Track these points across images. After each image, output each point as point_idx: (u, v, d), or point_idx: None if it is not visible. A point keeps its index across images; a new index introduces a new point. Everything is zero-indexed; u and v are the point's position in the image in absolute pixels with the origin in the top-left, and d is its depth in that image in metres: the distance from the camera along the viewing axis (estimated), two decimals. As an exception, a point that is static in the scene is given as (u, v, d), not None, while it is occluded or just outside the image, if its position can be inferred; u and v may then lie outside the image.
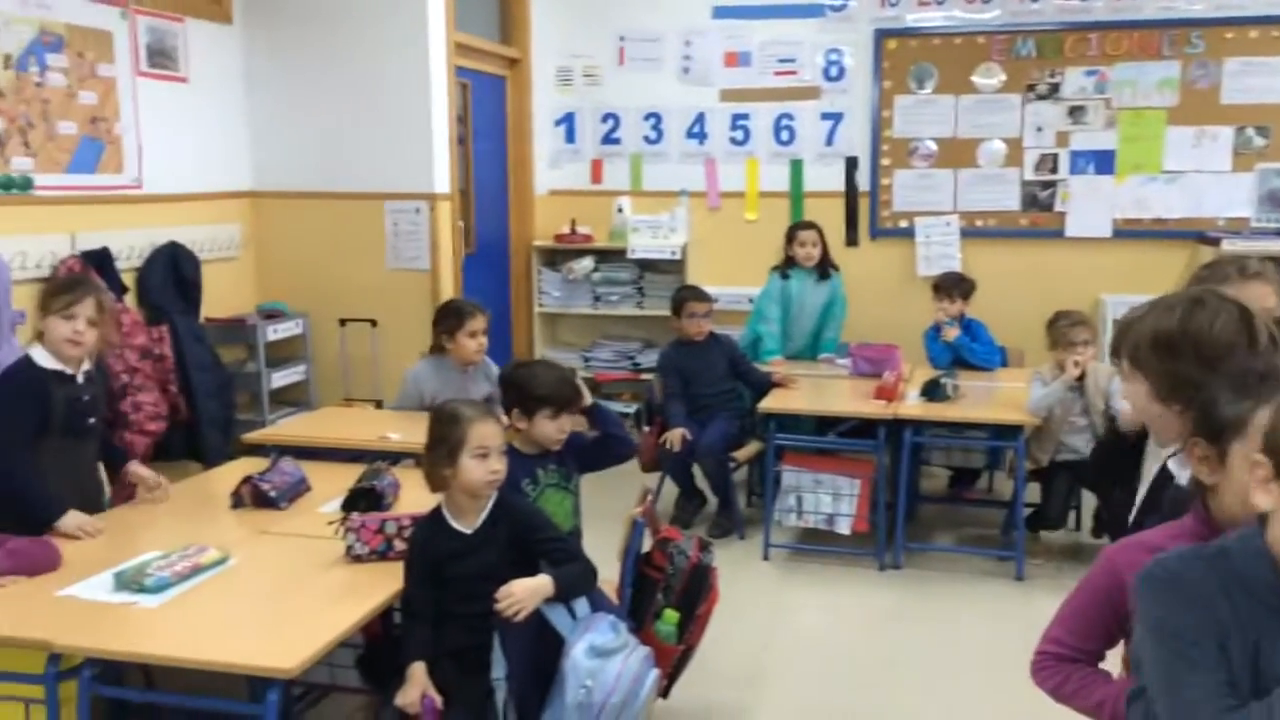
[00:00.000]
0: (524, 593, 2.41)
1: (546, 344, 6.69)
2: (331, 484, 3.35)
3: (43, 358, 3.03)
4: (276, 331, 5.28)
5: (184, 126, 5.02)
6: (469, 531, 2.56)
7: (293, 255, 5.54)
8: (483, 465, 2.53)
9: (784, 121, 6.38)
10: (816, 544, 4.64)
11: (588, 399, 3.20)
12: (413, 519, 2.75)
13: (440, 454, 2.55)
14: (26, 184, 4.16)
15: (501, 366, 4.01)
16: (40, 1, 4.19)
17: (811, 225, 5.56)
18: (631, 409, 6.11)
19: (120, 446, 3.34)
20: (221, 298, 5.19)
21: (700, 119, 6.48)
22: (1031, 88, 6.03)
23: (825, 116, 6.31)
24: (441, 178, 5.44)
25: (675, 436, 4.74)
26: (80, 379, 3.10)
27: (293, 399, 5.47)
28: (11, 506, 2.87)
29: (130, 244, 4.62)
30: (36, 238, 4.17)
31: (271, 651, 2.24)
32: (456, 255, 5.62)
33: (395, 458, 3.61)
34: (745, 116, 6.42)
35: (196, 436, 4.82)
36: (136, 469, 3.28)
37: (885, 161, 6.25)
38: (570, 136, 6.69)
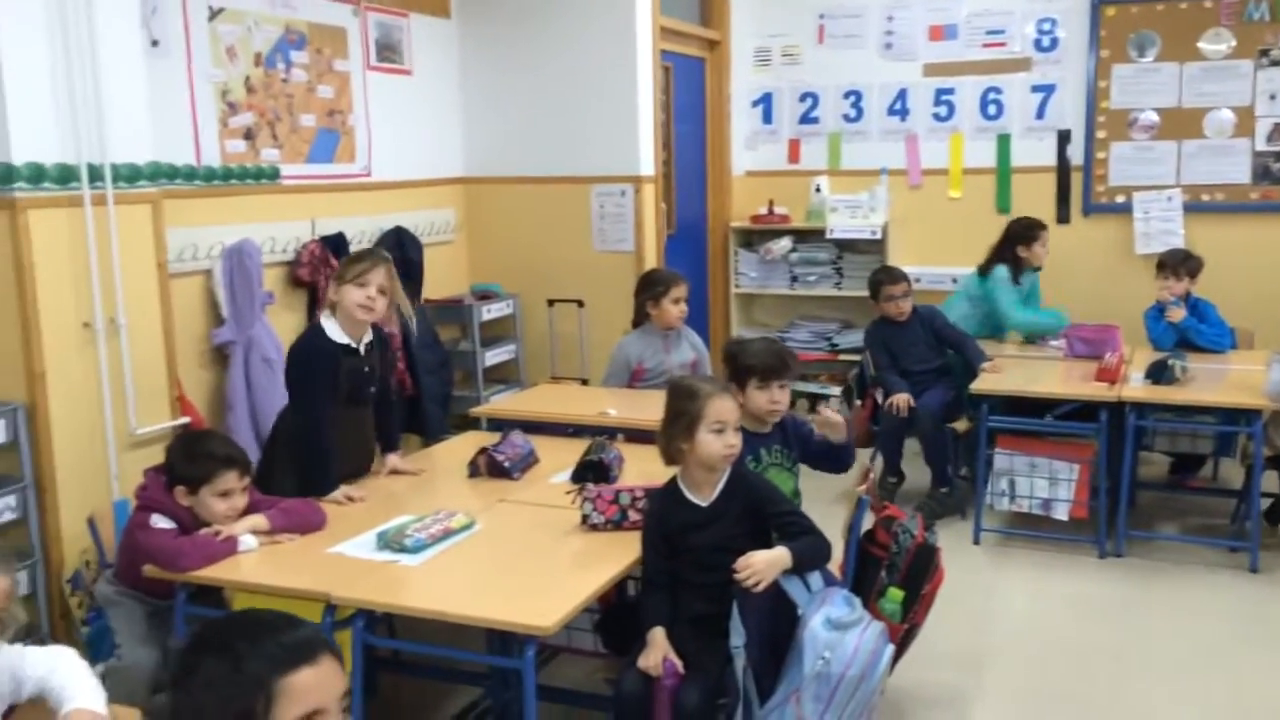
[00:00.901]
0: (763, 564, 2.47)
1: (742, 324, 6.74)
2: (557, 456, 3.50)
3: (333, 329, 3.28)
4: (490, 312, 5.51)
5: (407, 117, 5.30)
6: (704, 504, 2.64)
7: (504, 238, 5.77)
8: (719, 439, 2.60)
9: (991, 95, 6.20)
10: (1030, 529, 4.52)
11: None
12: (646, 490, 2.85)
13: (678, 428, 2.63)
14: (274, 174, 4.49)
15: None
16: (286, 1, 4.51)
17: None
18: (827, 390, 6.09)
19: (390, 430, 3.53)
20: (439, 279, 5.46)
21: (902, 95, 6.37)
22: (1264, 53, 5.65)
23: (1036, 89, 6.10)
24: (647, 160, 5.54)
25: (901, 400, 4.76)
26: (362, 351, 3.34)
27: (503, 376, 5.71)
28: (300, 468, 3.13)
29: (361, 228, 4.92)
30: (282, 224, 4.49)
31: (527, 610, 2.38)
32: (659, 236, 5.73)
33: (613, 433, 3.75)
34: (950, 91, 6.27)
35: (418, 411, 5.09)
36: (396, 463, 3.47)
37: (1101, 134, 5.98)
38: (767, 117, 6.69)
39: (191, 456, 2.88)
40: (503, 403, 4.67)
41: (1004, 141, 6.19)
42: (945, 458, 4.87)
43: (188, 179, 4.03)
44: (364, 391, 3.37)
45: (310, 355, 3.28)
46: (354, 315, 3.29)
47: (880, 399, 4.88)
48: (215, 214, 4.15)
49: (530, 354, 5.78)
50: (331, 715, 1.33)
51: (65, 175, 3.24)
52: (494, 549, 2.80)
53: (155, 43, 3.90)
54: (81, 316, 3.31)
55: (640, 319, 4.47)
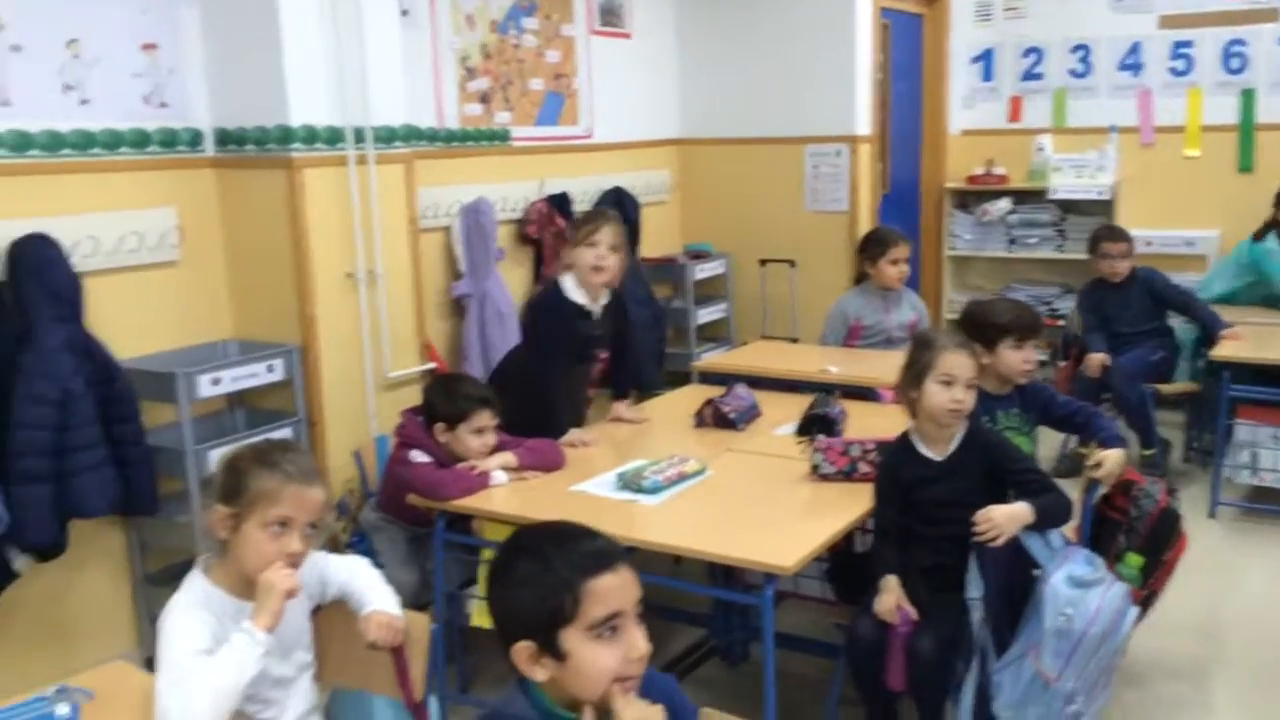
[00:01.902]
0: (1003, 518, 2.47)
1: (956, 288, 6.61)
2: (779, 410, 3.58)
3: (571, 289, 3.46)
4: (702, 271, 5.61)
5: (626, 80, 5.44)
6: (939, 459, 2.66)
7: (717, 198, 5.86)
8: (946, 393, 2.60)
9: (1234, 48, 5.82)
10: (1274, 504, 4.30)
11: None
12: (877, 443, 2.89)
13: (909, 376, 2.66)
14: (506, 136, 4.72)
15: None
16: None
17: None
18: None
19: (622, 378, 3.70)
20: (654, 238, 5.60)
21: (1135, 49, 6.05)
22: None
23: (1287, 40, 5.69)
24: (863, 119, 5.50)
25: (1094, 361, 4.64)
26: (597, 314, 3.50)
27: (714, 335, 5.81)
28: (531, 415, 3.33)
29: (583, 188, 5.10)
30: (513, 184, 4.72)
31: (766, 550, 2.47)
32: (874, 197, 5.69)
33: (831, 389, 3.78)
34: (1188, 44, 5.92)
35: (635, 366, 5.26)
36: (622, 411, 3.64)
37: (1360, 87, 5.54)
38: (987, 74, 6.49)
39: (450, 396, 3.11)
40: (719, 359, 4.77)
41: (1248, 97, 5.80)
42: (1145, 418, 4.70)
43: (430, 141, 4.28)
44: (590, 352, 3.53)
45: (547, 312, 3.47)
46: (587, 276, 3.43)
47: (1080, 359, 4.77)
48: (454, 174, 4.40)
49: (741, 313, 5.86)
50: (629, 619, 1.46)
51: (333, 137, 3.51)
52: (726, 494, 2.90)
53: (405, 12, 4.15)
54: (345, 267, 3.60)
55: (860, 277, 4.50)
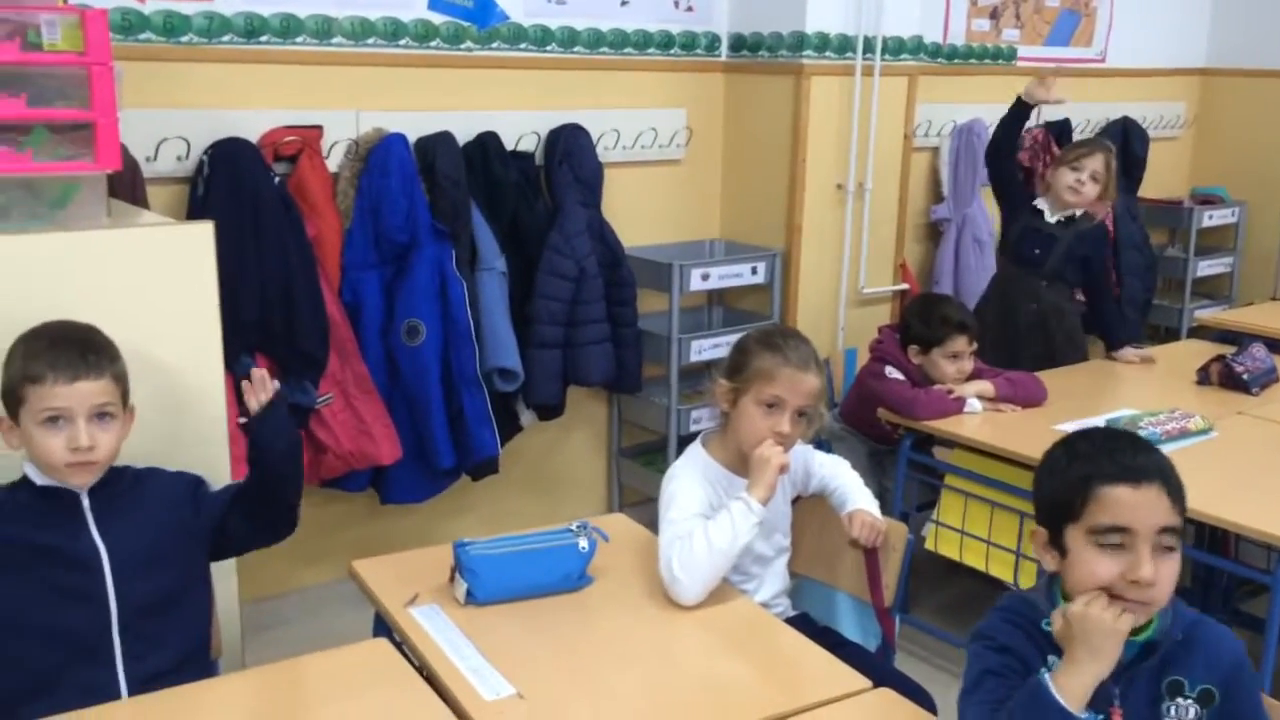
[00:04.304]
0: None
1: None
2: (1303, 379, 3.16)
3: (1042, 204, 3.45)
4: (1211, 218, 5.03)
5: (1151, -1, 4.93)
6: None
7: (1240, 138, 5.20)
8: None
9: None
10: None
11: None
12: None
13: None
14: (1011, 54, 4.48)
15: None
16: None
17: None
18: None
19: (1108, 324, 3.58)
20: (1157, 178, 5.09)
21: None
22: None
23: None
24: None
25: None
26: (1052, 220, 3.45)
27: (1212, 291, 5.22)
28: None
29: (1086, 116, 4.73)
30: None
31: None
32: None
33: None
34: None
35: (1116, 312, 4.87)
36: (1129, 355, 3.46)
37: None
38: None
39: (928, 319, 3.06)
40: (1223, 315, 4.27)
41: None
42: None
43: (933, 56, 4.16)
44: (1039, 263, 3.46)
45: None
46: (1062, 196, 3.38)
47: None
48: (952, 92, 4.25)
49: (1250, 269, 5.20)
50: (1142, 541, 1.37)
51: (844, 45, 3.53)
52: (1236, 459, 2.63)
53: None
54: (836, 178, 3.63)
55: None
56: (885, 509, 2.19)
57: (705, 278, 3.47)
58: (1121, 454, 1.42)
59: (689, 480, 2.03)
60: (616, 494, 3.80)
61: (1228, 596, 3.09)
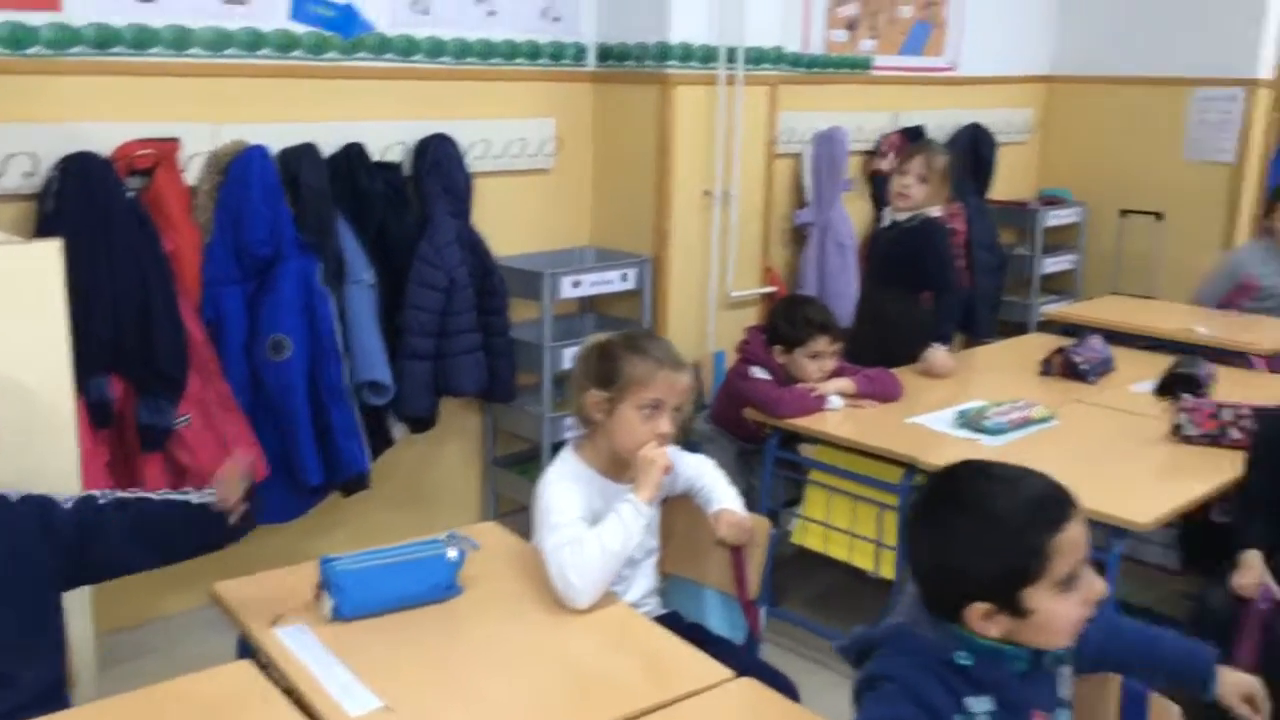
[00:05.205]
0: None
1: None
2: (1136, 367, 3.39)
3: (885, 216, 3.68)
4: (1055, 218, 5.30)
5: (1000, 9, 5.16)
6: (1332, 433, 2.41)
7: (1081, 142, 5.49)
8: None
9: None
10: None
11: None
12: (1254, 409, 2.66)
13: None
14: (867, 64, 4.65)
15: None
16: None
17: None
18: None
19: (941, 324, 3.56)
20: (1006, 180, 5.34)
21: None
22: None
23: None
24: (1266, 61, 4.94)
25: None
26: (886, 224, 3.67)
27: (1058, 287, 5.50)
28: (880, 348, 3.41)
29: (940, 123, 4.93)
30: (868, 114, 4.64)
31: (1118, 505, 2.36)
32: (1267, 149, 5.12)
33: (1196, 351, 3.50)
34: None
35: (970, 310, 5.09)
36: (938, 358, 3.40)
37: None
38: None
39: (791, 320, 3.17)
40: (1068, 309, 4.53)
41: None
42: None
43: (794, 65, 4.30)
44: (880, 269, 3.69)
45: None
46: (893, 201, 3.58)
47: None
48: (812, 100, 4.39)
49: (1092, 266, 5.50)
50: (1086, 563, 1.37)
51: (707, 55, 3.62)
52: (1074, 445, 2.79)
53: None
54: (703, 185, 3.72)
55: (1264, 232, 4.20)
56: (753, 506, 2.27)
57: (576, 285, 3.52)
58: (1031, 489, 1.39)
59: (565, 485, 2.07)
60: (492, 504, 3.82)
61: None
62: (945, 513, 1.41)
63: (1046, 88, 5.56)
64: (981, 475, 1.43)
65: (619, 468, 2.09)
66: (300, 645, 1.73)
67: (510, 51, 3.55)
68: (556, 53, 3.67)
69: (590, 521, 2.00)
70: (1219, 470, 2.58)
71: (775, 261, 4.30)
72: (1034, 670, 1.44)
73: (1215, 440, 2.70)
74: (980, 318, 5.08)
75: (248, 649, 1.80)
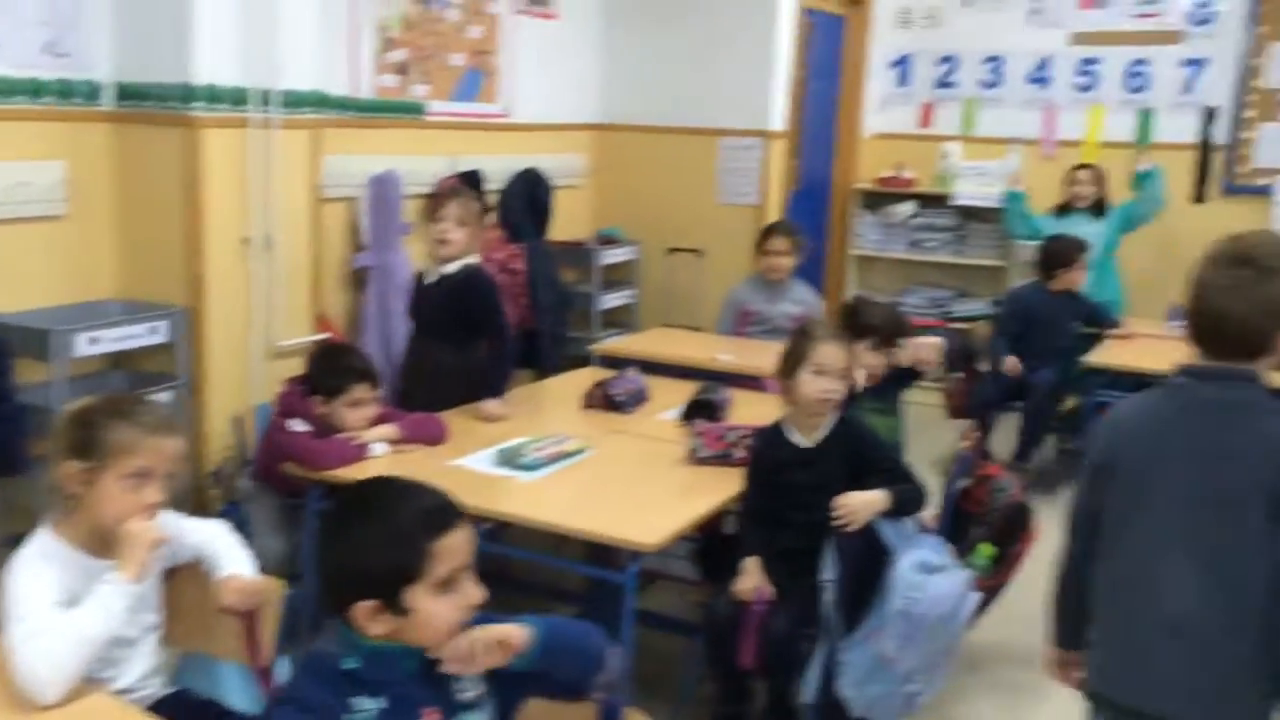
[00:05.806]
0: (859, 505, 2.57)
1: (859, 286, 6.76)
2: (668, 395, 3.66)
3: (423, 263, 3.62)
4: (611, 256, 5.67)
5: (549, 61, 5.44)
6: (808, 446, 2.74)
7: (630, 186, 5.90)
8: (818, 382, 2.68)
9: (1137, 68, 6.04)
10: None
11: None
12: (754, 430, 2.97)
13: (785, 365, 2.74)
14: (420, 109, 4.71)
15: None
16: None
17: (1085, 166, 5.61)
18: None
19: (494, 373, 3.53)
20: (565, 222, 5.62)
21: (1045, 63, 6.25)
22: None
23: (1186, 63, 5.92)
24: (778, 115, 5.60)
25: (1011, 364, 4.85)
26: (432, 279, 3.55)
27: (619, 320, 5.86)
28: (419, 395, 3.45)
29: (496, 168, 5.09)
30: (424, 159, 4.70)
31: (632, 528, 2.54)
32: (784, 193, 5.79)
33: (723, 377, 3.86)
34: (1095, 61, 6.13)
35: (534, 346, 5.30)
36: (490, 409, 3.40)
37: (1250, 114, 5.79)
38: (903, 79, 6.64)
39: (328, 369, 3.12)
40: (616, 343, 4.83)
41: (1145, 116, 6.04)
42: (1038, 435, 4.91)
43: (341, 109, 4.25)
44: (428, 319, 3.61)
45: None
46: (433, 250, 3.53)
47: (991, 365, 4.91)
48: (365, 144, 4.37)
49: (647, 300, 5.92)
50: (466, 571, 1.53)
51: (238, 98, 3.48)
52: (604, 473, 2.96)
53: (319, -22, 4.11)
54: (241, 231, 3.57)
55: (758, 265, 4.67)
56: (298, 564, 2.19)
57: (95, 341, 3.24)
58: (424, 500, 1.55)
59: (36, 570, 1.88)
60: None
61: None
62: (349, 517, 1.55)
63: (597, 135, 5.93)
64: (385, 487, 1.61)
65: (105, 545, 1.93)
66: None
67: (8, 89, 3.22)
68: (65, 90, 3.38)
69: (70, 605, 1.83)
70: (727, 488, 2.83)
71: (333, 306, 4.22)
72: (429, 672, 1.55)
73: (724, 460, 2.98)
74: (544, 353, 5.29)
75: None
